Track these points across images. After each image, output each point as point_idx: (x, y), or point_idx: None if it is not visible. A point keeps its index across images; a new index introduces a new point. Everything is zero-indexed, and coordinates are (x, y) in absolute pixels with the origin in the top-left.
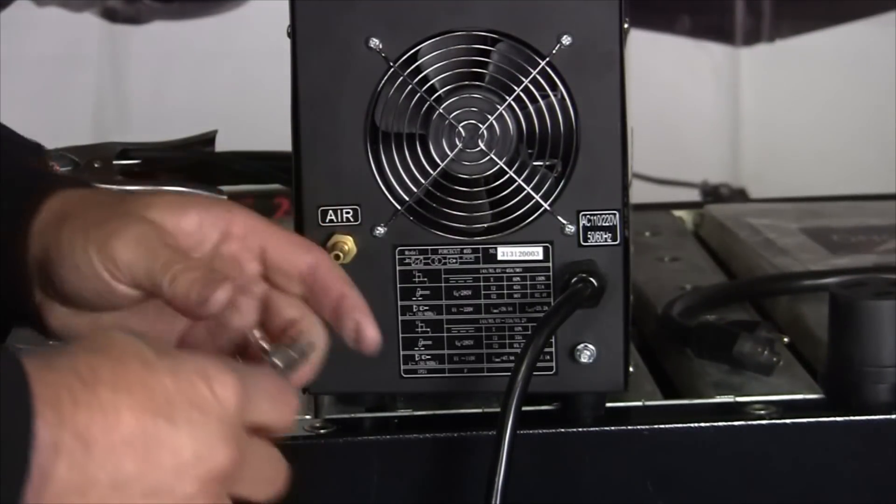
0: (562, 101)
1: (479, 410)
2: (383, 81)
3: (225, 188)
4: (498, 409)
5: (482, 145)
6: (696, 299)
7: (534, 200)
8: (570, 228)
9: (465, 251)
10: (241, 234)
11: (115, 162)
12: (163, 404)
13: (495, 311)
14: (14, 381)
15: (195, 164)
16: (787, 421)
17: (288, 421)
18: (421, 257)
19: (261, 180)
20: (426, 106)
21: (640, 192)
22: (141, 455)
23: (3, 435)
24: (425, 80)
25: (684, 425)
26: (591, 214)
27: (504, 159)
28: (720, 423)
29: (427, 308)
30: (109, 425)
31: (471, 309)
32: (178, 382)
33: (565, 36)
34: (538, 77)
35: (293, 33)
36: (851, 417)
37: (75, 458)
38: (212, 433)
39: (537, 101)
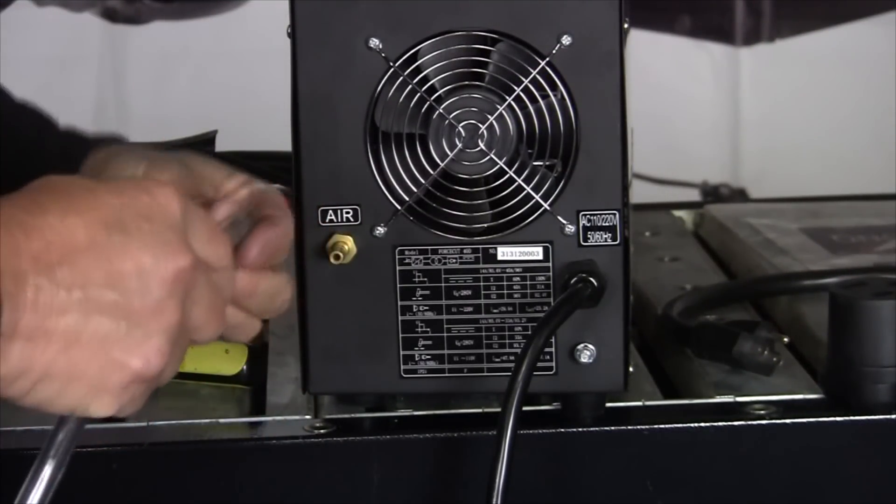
0: (562, 101)
1: (479, 410)
2: (383, 81)
3: None
4: (498, 409)
5: (482, 145)
6: (696, 299)
7: (534, 200)
8: (570, 228)
9: (465, 251)
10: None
11: None
12: (112, 219)
13: (495, 311)
14: None
15: None
16: (787, 421)
17: (224, 260)
18: (421, 257)
19: (261, 180)
20: (426, 106)
21: (640, 192)
22: (104, 266)
23: None
24: (425, 80)
25: (684, 425)
26: (591, 214)
27: (504, 159)
28: (720, 423)
29: (427, 308)
30: (66, 245)
31: (471, 309)
32: (123, 198)
33: (565, 36)
34: (538, 77)
35: (293, 33)
36: (851, 417)
37: (41, 283)
38: (164, 239)
39: (537, 101)
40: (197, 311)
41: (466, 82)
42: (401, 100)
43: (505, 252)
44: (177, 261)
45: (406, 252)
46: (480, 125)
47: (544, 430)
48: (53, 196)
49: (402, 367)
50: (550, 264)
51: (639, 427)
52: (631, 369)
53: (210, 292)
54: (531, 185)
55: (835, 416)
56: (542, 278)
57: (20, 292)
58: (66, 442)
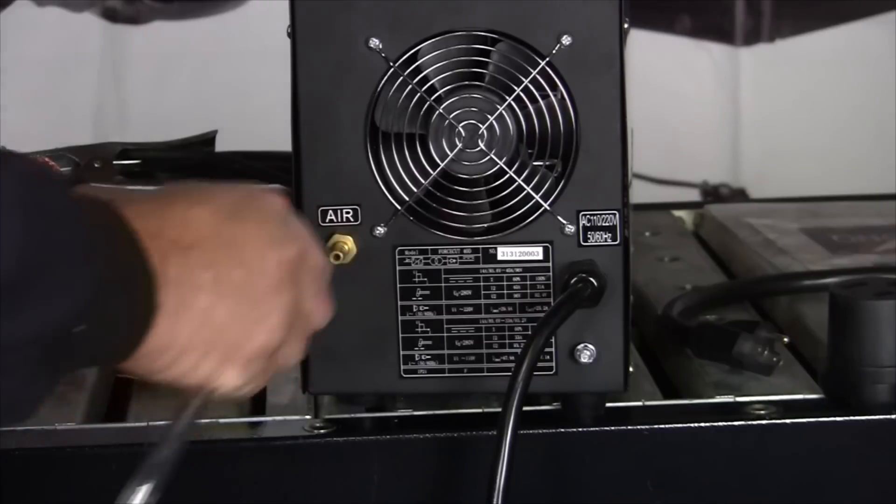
0: (562, 101)
1: (479, 410)
2: (383, 81)
3: None
4: (498, 409)
5: (482, 145)
6: (696, 299)
7: (534, 200)
8: (570, 228)
9: (465, 251)
10: None
11: (115, 162)
12: (231, 210)
13: (495, 311)
14: (124, 227)
15: (195, 164)
16: (787, 421)
17: (322, 259)
18: (421, 257)
19: (261, 180)
20: (426, 106)
21: (640, 192)
22: (228, 251)
23: (130, 266)
24: (425, 80)
25: (684, 425)
26: (591, 214)
27: (504, 159)
28: (720, 423)
29: (427, 308)
30: (195, 231)
31: (471, 309)
32: (236, 195)
33: (565, 36)
34: (538, 77)
35: (293, 33)
36: (851, 417)
37: (180, 263)
38: (274, 229)
39: (537, 101)
40: (306, 297)
41: (466, 82)
42: (401, 100)
43: (505, 252)
44: (287, 249)
45: (406, 252)
46: (480, 125)
47: (544, 430)
48: (178, 193)
49: (402, 367)
50: (550, 264)
51: (639, 427)
52: (631, 369)
53: (314, 282)
54: (531, 185)
55: (835, 416)
56: (542, 278)
57: (165, 270)
58: (190, 420)
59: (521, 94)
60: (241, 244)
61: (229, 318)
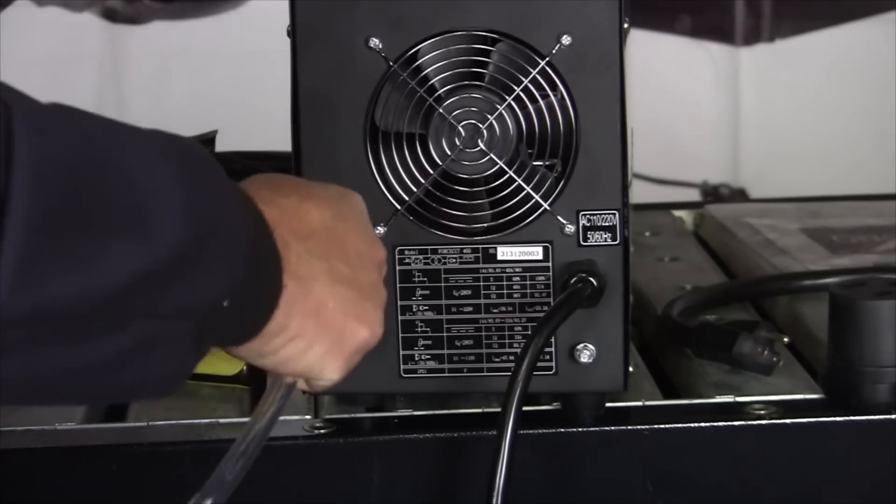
0: (561, 101)
1: (479, 410)
2: (383, 81)
3: None
4: (498, 409)
5: (482, 145)
6: (696, 299)
7: (533, 200)
8: (570, 228)
9: (464, 251)
10: None
11: None
12: (335, 208)
13: (495, 310)
14: (258, 209)
15: None
16: (787, 421)
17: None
18: (421, 257)
19: None
20: (426, 106)
21: (640, 192)
22: (336, 245)
23: (265, 246)
24: (425, 79)
25: (684, 425)
26: (590, 214)
27: (504, 159)
28: (720, 423)
29: (427, 308)
30: (309, 223)
31: (470, 309)
32: (333, 192)
33: (565, 36)
34: (538, 77)
35: (293, 33)
36: (851, 417)
37: (300, 250)
38: (368, 231)
39: (537, 101)
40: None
41: (466, 82)
42: (401, 99)
43: (505, 252)
44: (380, 250)
45: (406, 252)
46: (480, 125)
47: (544, 430)
48: (287, 185)
49: (402, 366)
50: (550, 264)
51: (639, 427)
52: (631, 369)
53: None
54: (531, 185)
55: (835, 416)
56: (542, 278)
57: (286, 256)
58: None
59: (521, 94)
60: (344, 241)
61: (339, 310)
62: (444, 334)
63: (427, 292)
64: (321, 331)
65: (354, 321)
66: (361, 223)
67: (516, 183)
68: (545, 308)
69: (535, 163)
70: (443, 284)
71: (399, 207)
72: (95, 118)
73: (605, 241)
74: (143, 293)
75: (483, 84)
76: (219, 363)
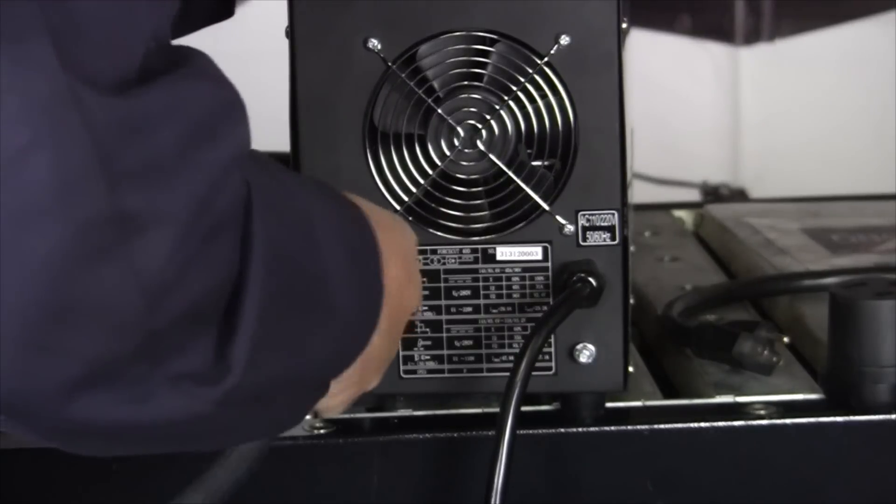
0: (560, 101)
1: (479, 410)
2: (382, 82)
3: None
4: (497, 409)
5: (481, 145)
6: (696, 299)
7: (533, 200)
8: (569, 228)
9: (464, 251)
10: None
11: None
12: (409, 264)
13: (494, 311)
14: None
15: None
16: (787, 421)
17: None
18: (420, 257)
19: None
20: (425, 106)
21: (640, 192)
22: (400, 305)
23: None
24: (424, 80)
25: (684, 425)
26: (590, 214)
27: (503, 159)
28: (720, 423)
29: (426, 308)
30: (397, 290)
31: (470, 309)
32: (410, 244)
33: (563, 36)
34: (536, 77)
35: (291, 33)
36: (851, 417)
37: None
38: (418, 280)
39: (536, 102)
40: None
41: (465, 82)
42: (399, 100)
43: (504, 252)
44: (418, 299)
45: None
46: (479, 125)
47: (544, 430)
48: (402, 247)
49: (402, 367)
50: (549, 264)
51: (639, 427)
52: (631, 369)
53: None
54: (530, 185)
55: (835, 416)
56: (541, 278)
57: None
58: None
59: (520, 94)
60: (403, 298)
61: (374, 364)
62: (444, 335)
63: (426, 293)
64: (353, 381)
65: (376, 374)
66: (417, 273)
67: (515, 183)
68: (544, 308)
69: (534, 163)
70: (442, 285)
71: (398, 208)
72: (300, 189)
73: (605, 241)
74: (333, 366)
75: (482, 84)
76: None
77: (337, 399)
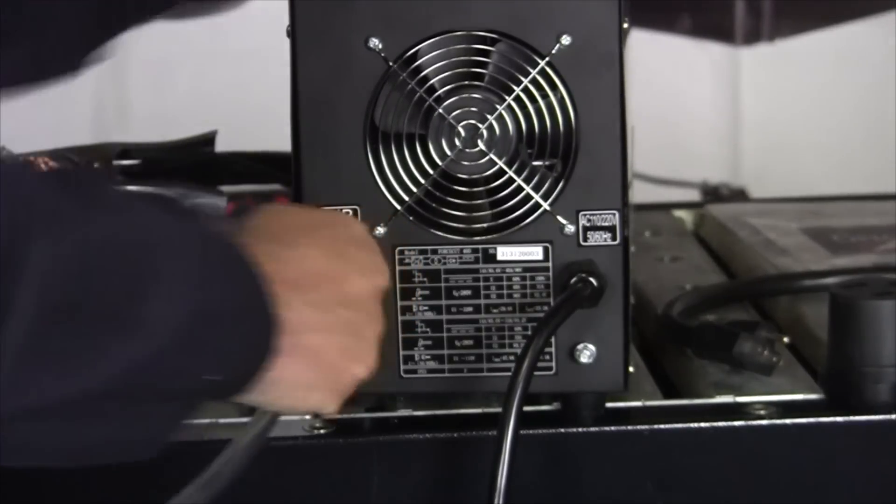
0: (561, 100)
1: (480, 410)
2: (383, 81)
3: (225, 188)
4: (498, 410)
5: (482, 145)
6: (696, 299)
7: (533, 200)
8: (570, 228)
9: (464, 251)
10: None
11: (115, 162)
12: (336, 249)
13: (495, 311)
14: (260, 277)
15: (195, 164)
16: (787, 421)
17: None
18: (421, 257)
19: (261, 180)
20: (426, 106)
21: (640, 192)
22: (336, 289)
23: (260, 322)
24: (425, 80)
25: (684, 425)
26: (590, 214)
27: (504, 159)
28: (720, 423)
29: (427, 308)
30: (309, 272)
31: (470, 309)
32: (334, 230)
33: (565, 36)
34: (538, 77)
35: (293, 33)
36: (851, 417)
37: (296, 305)
38: (367, 258)
39: (537, 101)
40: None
41: (466, 82)
42: (400, 100)
43: (505, 252)
44: (380, 279)
45: (406, 252)
46: (480, 125)
47: (544, 430)
48: (289, 231)
49: (402, 367)
50: (550, 264)
51: (639, 427)
52: (631, 369)
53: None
54: (531, 185)
55: (835, 416)
56: (542, 278)
57: (285, 315)
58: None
59: (521, 94)
60: (344, 280)
61: (337, 354)
62: (444, 334)
63: (427, 292)
64: (319, 377)
65: (349, 363)
66: (360, 252)
67: (516, 183)
68: (545, 308)
69: (534, 163)
70: (443, 285)
71: (399, 208)
72: (105, 202)
73: (605, 241)
74: (138, 383)
75: (483, 84)
76: None
77: (309, 400)
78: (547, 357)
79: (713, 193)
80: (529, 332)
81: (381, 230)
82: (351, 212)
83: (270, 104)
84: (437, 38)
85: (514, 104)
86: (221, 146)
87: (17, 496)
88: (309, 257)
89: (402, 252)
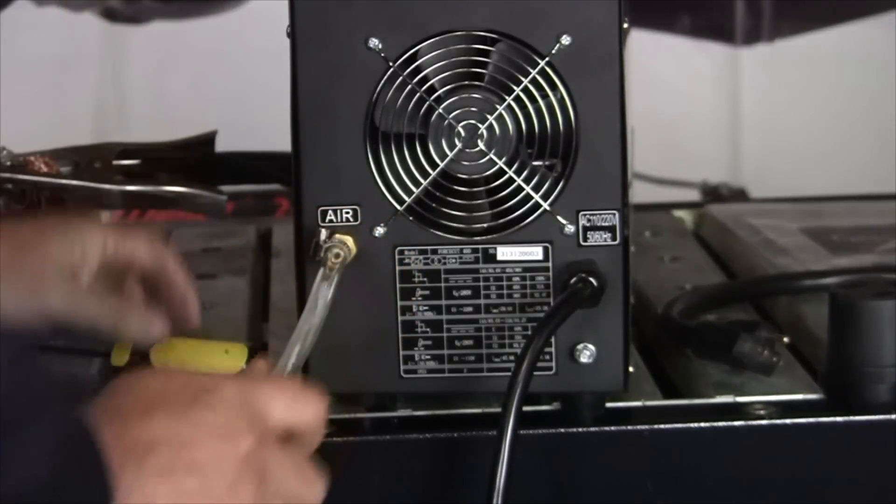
0: (561, 101)
1: (479, 410)
2: (383, 81)
3: (225, 188)
4: (498, 410)
5: (482, 145)
6: (696, 299)
7: (533, 200)
8: (570, 228)
9: (464, 251)
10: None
11: (114, 162)
12: (186, 408)
13: (495, 311)
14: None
15: (195, 164)
16: (787, 421)
17: (310, 420)
18: (421, 257)
19: (261, 180)
20: (426, 106)
21: (640, 192)
22: (183, 454)
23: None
24: (425, 80)
25: (684, 425)
26: (590, 214)
27: (504, 159)
28: (720, 423)
29: (427, 308)
30: (151, 435)
31: (470, 309)
32: (191, 390)
33: (565, 36)
34: (538, 77)
35: (293, 33)
36: (851, 417)
37: (137, 473)
38: (230, 420)
39: (537, 101)
40: (285, 479)
41: (466, 82)
42: (400, 100)
43: (505, 252)
44: (244, 440)
45: (406, 252)
46: (480, 125)
47: (544, 430)
48: (135, 398)
49: (402, 367)
50: (550, 264)
51: (639, 427)
52: (631, 369)
53: (290, 462)
54: (531, 185)
55: (835, 416)
56: (542, 278)
57: (120, 485)
58: None
59: (521, 94)
60: (196, 445)
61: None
62: (444, 334)
63: (427, 292)
64: None
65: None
66: (219, 415)
67: (516, 183)
68: (545, 308)
69: (534, 163)
70: (443, 284)
71: (399, 207)
72: None
73: (605, 241)
74: None
75: (483, 84)
76: (219, 363)
77: None
78: (547, 357)
79: (713, 193)
80: (529, 332)
81: (380, 230)
82: (353, 211)
83: (271, 104)
84: (437, 38)
85: (513, 104)
86: (221, 146)
87: None
88: (157, 421)
89: (402, 252)
